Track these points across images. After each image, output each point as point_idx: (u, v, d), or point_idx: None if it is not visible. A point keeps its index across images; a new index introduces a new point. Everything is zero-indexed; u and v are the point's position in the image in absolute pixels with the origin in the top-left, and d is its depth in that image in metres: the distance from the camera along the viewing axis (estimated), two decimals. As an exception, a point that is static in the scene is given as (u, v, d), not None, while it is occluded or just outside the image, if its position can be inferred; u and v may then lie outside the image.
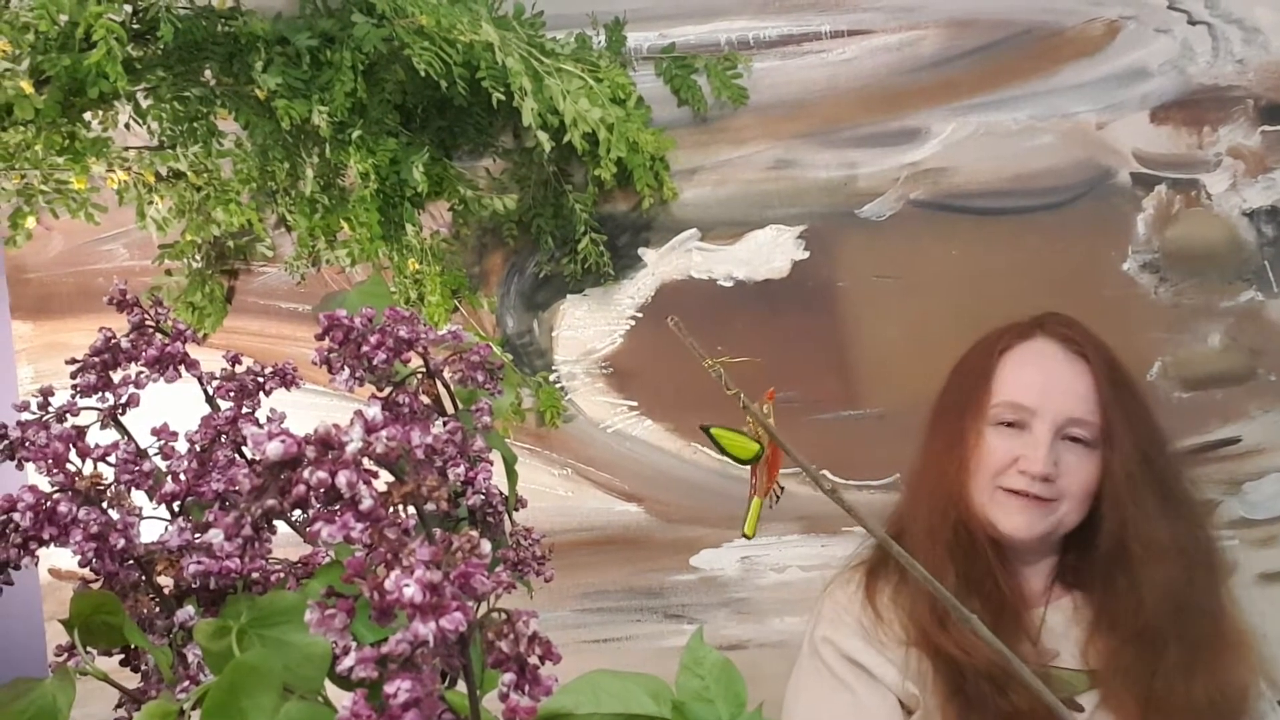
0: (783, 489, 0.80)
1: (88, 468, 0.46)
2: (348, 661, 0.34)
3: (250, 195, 1.42)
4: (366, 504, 0.35)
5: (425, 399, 0.51)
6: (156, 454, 0.50)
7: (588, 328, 1.53)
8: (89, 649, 0.46)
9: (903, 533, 1.09)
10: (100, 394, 0.51)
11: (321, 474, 0.35)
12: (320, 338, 0.49)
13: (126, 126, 1.32)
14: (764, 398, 0.75)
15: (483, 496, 0.50)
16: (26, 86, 1.17)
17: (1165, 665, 0.97)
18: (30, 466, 0.46)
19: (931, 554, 1.02)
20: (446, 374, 0.51)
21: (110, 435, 0.50)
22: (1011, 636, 1.00)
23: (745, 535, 0.78)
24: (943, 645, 0.99)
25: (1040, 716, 0.95)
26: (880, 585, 1.09)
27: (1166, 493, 1.03)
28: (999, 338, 1.10)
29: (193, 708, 0.40)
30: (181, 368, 0.52)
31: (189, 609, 0.46)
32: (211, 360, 0.54)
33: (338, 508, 0.35)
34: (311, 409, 1.43)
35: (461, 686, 0.37)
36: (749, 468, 0.76)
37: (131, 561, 0.46)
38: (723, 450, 0.74)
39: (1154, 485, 1.02)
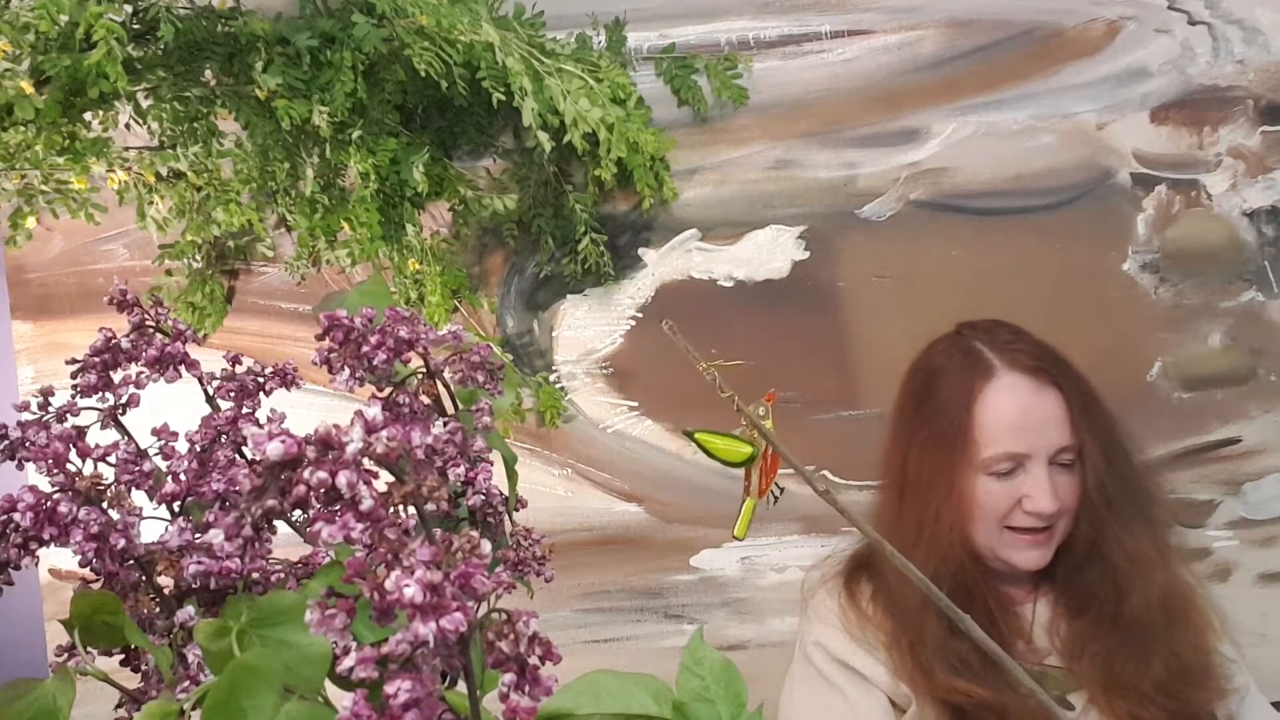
0: (782, 490, 0.79)
1: (88, 468, 0.46)
2: (348, 662, 0.34)
3: (250, 195, 1.42)
4: (367, 504, 0.35)
5: (425, 399, 0.51)
6: (156, 454, 0.50)
7: (588, 328, 1.53)
8: (89, 649, 0.46)
9: (875, 574, 1.08)
10: (100, 394, 0.51)
11: (322, 474, 0.35)
12: (320, 338, 0.49)
13: (127, 126, 1.32)
14: (764, 399, 0.75)
15: (483, 497, 0.50)
16: (27, 86, 1.17)
17: (1121, 647, 0.98)
18: (30, 466, 0.46)
19: (913, 601, 1.01)
20: (447, 374, 0.51)
21: (110, 435, 0.50)
22: (1002, 642, 1.00)
23: (735, 536, 0.78)
24: (940, 695, 0.98)
25: None
26: (860, 588, 1.09)
27: (1130, 487, 1.03)
28: (963, 381, 1.05)
29: (193, 708, 0.40)
30: (182, 368, 0.52)
31: (189, 609, 0.46)
32: (211, 360, 0.54)
33: (338, 508, 0.35)
34: (311, 409, 1.43)
35: (461, 687, 0.37)
36: (743, 470, 0.75)
37: (132, 561, 0.46)
38: (710, 455, 0.74)
39: (1119, 484, 1.02)
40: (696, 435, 0.73)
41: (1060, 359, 1.06)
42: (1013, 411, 1.02)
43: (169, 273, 1.48)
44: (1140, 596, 0.99)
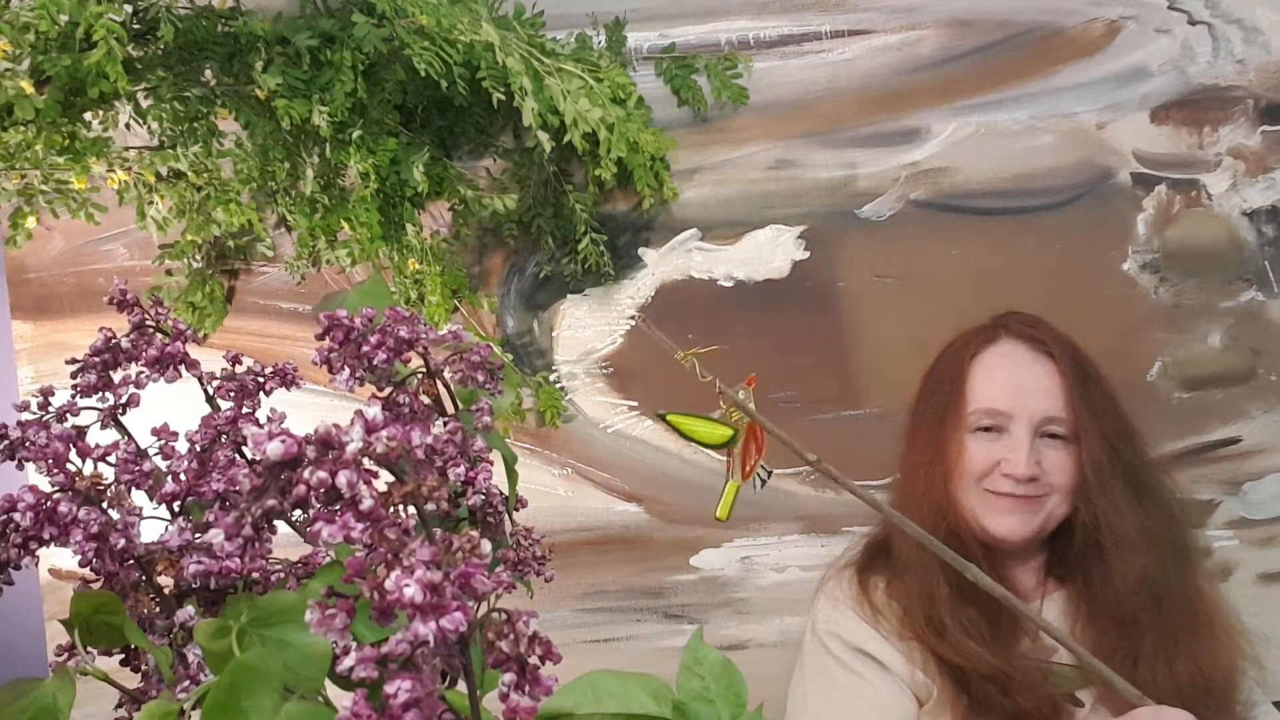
0: (770, 473, 0.79)
1: (88, 468, 0.46)
2: (348, 661, 0.34)
3: (250, 195, 1.42)
4: (367, 504, 0.35)
5: (425, 399, 0.51)
6: (156, 454, 0.50)
7: (588, 328, 1.53)
8: (89, 649, 0.46)
9: (891, 543, 1.10)
10: (100, 394, 0.51)
11: (322, 474, 0.35)
12: (320, 338, 0.49)
13: (127, 126, 1.32)
14: (744, 383, 0.75)
15: (483, 496, 0.50)
16: (27, 86, 1.16)
17: (1145, 652, 0.98)
18: (30, 466, 0.46)
19: (925, 565, 1.02)
20: (447, 374, 0.51)
21: (110, 435, 0.50)
22: (1010, 636, 1.01)
23: (718, 518, 0.77)
24: (944, 654, 0.99)
25: (1046, 716, 0.95)
26: (874, 581, 1.09)
27: (1136, 482, 1.04)
28: (965, 343, 1.11)
29: (193, 708, 0.40)
30: (181, 368, 0.52)
31: (189, 609, 0.46)
32: (211, 360, 0.54)
33: (338, 508, 0.35)
34: (311, 409, 1.43)
35: (461, 686, 0.37)
36: (725, 452, 0.75)
37: (132, 561, 0.46)
38: (686, 437, 0.73)
39: (1122, 475, 1.03)
40: (669, 417, 0.73)
41: (1067, 340, 1.09)
42: (1003, 371, 1.07)
43: (169, 273, 1.48)
44: (1123, 576, 1.00)
